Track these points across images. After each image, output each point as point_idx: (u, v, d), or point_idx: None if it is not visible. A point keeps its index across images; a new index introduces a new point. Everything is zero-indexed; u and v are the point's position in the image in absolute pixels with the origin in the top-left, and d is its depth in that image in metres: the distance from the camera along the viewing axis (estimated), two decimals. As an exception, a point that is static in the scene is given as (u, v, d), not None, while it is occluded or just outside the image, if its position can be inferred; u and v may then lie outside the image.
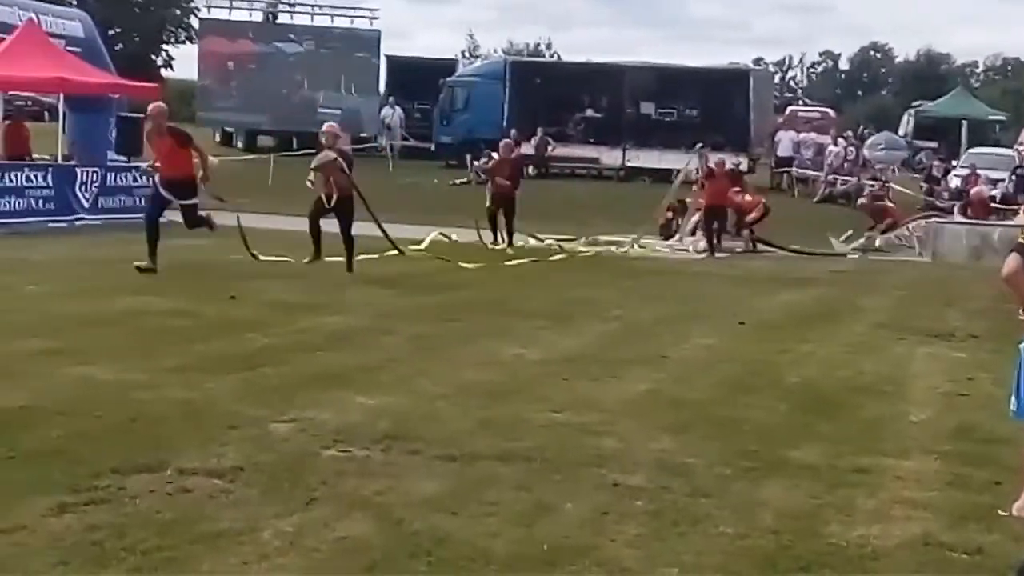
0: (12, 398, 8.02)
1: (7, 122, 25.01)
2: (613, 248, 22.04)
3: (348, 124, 42.48)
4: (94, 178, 21.98)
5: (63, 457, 6.69)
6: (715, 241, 22.21)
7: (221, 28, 43.09)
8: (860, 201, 25.11)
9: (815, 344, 12.05)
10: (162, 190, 15.55)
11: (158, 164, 15.64)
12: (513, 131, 38.62)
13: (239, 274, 15.08)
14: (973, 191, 28.40)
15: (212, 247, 16.91)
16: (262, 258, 16.50)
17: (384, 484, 6.48)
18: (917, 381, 10.50)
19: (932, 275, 19.86)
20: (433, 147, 41.42)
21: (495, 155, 22.48)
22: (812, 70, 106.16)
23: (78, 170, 22.01)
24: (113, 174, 22.54)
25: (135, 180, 22.62)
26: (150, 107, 15.92)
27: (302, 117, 41.32)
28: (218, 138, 44.60)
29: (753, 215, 23.15)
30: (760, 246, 22.95)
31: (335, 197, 15.99)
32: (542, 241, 22.08)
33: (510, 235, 21.10)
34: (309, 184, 16.32)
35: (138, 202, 22.65)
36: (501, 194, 21.23)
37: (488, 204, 21.31)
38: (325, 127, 17.10)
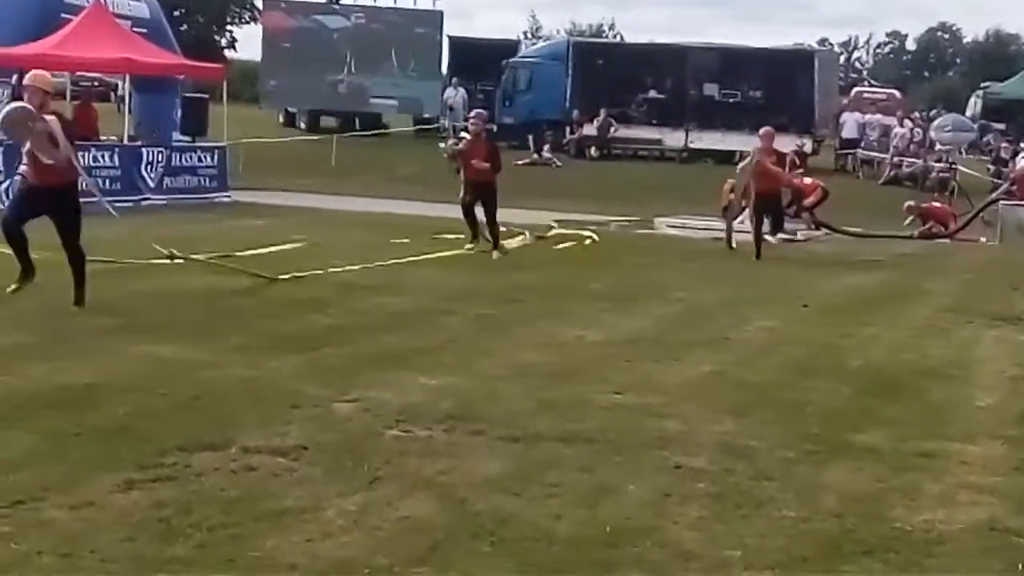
0: (79, 375, 8.14)
1: (76, 103, 25.33)
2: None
3: (410, 105, 42.84)
4: (159, 158, 22.20)
5: (129, 434, 6.78)
6: (766, 237, 18.24)
7: (283, 8, 43.16)
8: (907, 204, 24.57)
9: (879, 327, 11.94)
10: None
11: None
12: (575, 112, 38.78)
13: (300, 254, 15.13)
14: (1017, 169, 27.89)
15: (270, 228, 17.01)
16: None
17: (447, 464, 6.51)
18: (984, 365, 10.37)
19: (999, 258, 19.61)
20: (495, 128, 41.32)
21: (466, 135, 17.68)
22: (878, 51, 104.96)
23: (144, 150, 22.25)
24: (178, 154, 22.75)
25: (200, 160, 22.95)
26: None
27: (360, 98, 41.52)
28: (281, 119, 44.71)
29: (811, 199, 22.92)
30: (822, 229, 22.72)
31: (38, 182, 10.79)
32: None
33: (495, 236, 16.68)
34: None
35: (203, 182, 22.95)
36: (478, 181, 16.70)
37: (462, 194, 16.89)
38: (29, 77, 10.90)
